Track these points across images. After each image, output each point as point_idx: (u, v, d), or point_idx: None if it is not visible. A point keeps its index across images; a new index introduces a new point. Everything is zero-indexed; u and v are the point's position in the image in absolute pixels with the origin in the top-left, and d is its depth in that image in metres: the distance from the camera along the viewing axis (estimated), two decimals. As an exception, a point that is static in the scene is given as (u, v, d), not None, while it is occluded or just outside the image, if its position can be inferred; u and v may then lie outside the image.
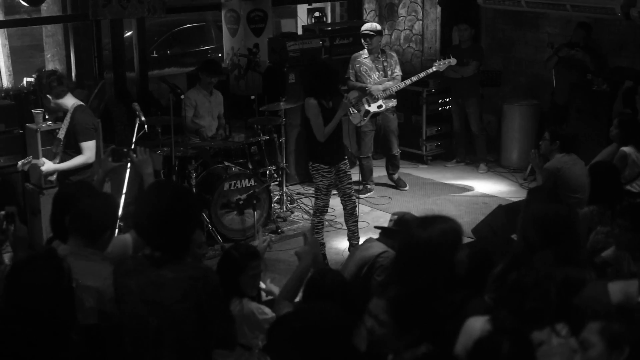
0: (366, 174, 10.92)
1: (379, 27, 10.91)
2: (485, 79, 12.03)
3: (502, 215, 7.89)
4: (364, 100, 10.55)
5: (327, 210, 8.68)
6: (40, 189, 8.39)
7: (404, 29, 13.12)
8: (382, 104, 10.60)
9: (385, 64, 10.66)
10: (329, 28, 11.92)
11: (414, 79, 10.88)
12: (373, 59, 10.65)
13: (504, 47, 12.78)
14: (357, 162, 11.00)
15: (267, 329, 4.28)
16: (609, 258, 5.71)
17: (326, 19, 13.26)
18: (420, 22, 13.11)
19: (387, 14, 13.10)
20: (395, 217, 6.41)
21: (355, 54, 10.78)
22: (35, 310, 3.60)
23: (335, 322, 3.33)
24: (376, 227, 6.75)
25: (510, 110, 11.96)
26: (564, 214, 4.65)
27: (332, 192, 8.65)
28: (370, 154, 10.93)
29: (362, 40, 10.62)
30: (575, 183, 7.81)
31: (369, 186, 10.84)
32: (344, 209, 8.67)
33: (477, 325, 3.83)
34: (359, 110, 10.55)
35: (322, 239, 8.70)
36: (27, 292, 3.61)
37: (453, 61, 10.91)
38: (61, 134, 7.68)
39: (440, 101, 12.17)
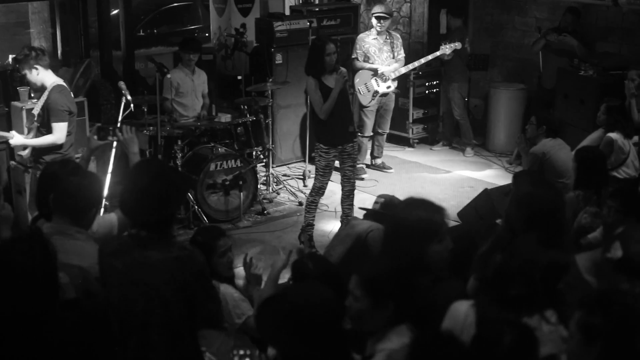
0: (361, 154, 10.91)
1: (391, 8, 10.95)
2: (472, 63, 12.03)
3: (488, 199, 7.90)
4: (373, 80, 10.57)
5: (323, 192, 8.61)
6: (26, 167, 8.34)
7: (393, 11, 13.08)
8: (391, 85, 10.65)
9: (392, 45, 10.71)
10: (317, 9, 11.87)
11: (423, 61, 11.03)
12: (382, 40, 10.67)
13: (491, 31, 12.77)
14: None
15: (256, 309, 4.28)
16: (595, 240, 5.73)
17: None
18: (408, 4, 13.08)
19: (375, -5, 13.05)
20: (382, 199, 6.39)
21: (362, 35, 10.85)
22: (21, 291, 3.58)
23: (322, 301, 3.34)
24: (361, 208, 6.74)
25: (497, 94, 11.98)
26: (551, 199, 4.65)
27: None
28: (369, 134, 10.95)
29: (376, 22, 10.62)
30: (560, 168, 7.85)
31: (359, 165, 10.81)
32: (342, 189, 8.65)
33: (461, 309, 3.82)
34: (368, 90, 10.56)
35: (313, 220, 8.69)
36: (13, 274, 3.59)
37: (458, 45, 10.93)
38: (36, 111, 7.68)
39: (427, 84, 12.17)
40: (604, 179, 6.88)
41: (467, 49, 11.65)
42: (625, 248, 4.45)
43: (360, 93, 10.59)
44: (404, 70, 10.73)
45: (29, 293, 3.58)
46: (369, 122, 10.84)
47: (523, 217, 4.56)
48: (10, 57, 11.01)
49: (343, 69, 8.32)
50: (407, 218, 4.07)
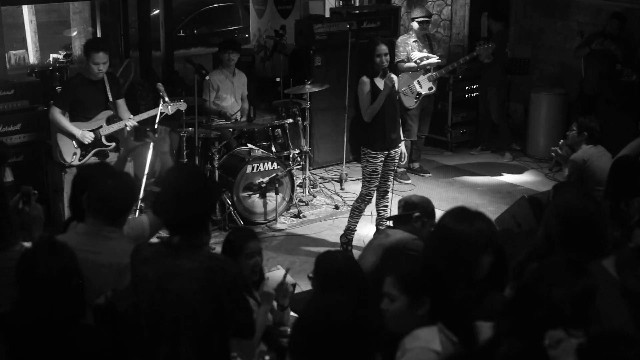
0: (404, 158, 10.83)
1: (429, 10, 11.24)
2: (513, 67, 11.93)
3: (526, 206, 7.79)
4: (415, 82, 10.51)
5: (369, 199, 8.51)
6: (63, 167, 8.40)
7: (433, 14, 13.00)
8: (433, 87, 10.61)
9: (432, 46, 10.77)
10: (357, 11, 11.82)
11: (461, 61, 11.07)
12: (422, 42, 10.68)
13: (533, 35, 12.65)
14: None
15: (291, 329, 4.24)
16: None
17: (354, 2, 13.18)
18: (449, 7, 13.00)
19: (415, -2, 12.99)
20: (402, 202, 6.35)
21: (404, 37, 10.82)
22: (46, 300, 3.58)
23: (354, 318, 3.24)
24: (388, 219, 6.69)
25: (538, 99, 11.85)
26: (589, 210, 4.55)
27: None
28: (414, 138, 10.89)
29: (418, 26, 10.61)
30: (600, 176, 7.71)
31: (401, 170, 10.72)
32: (377, 190, 8.58)
33: (481, 330, 3.75)
34: (412, 92, 10.50)
35: (355, 225, 8.66)
36: (36, 284, 3.59)
37: (493, 46, 10.91)
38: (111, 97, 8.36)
39: (466, 88, 12.10)
40: (634, 189, 6.70)
41: (508, 53, 11.55)
42: None
43: (404, 95, 10.51)
44: (438, 74, 10.65)
45: (51, 301, 3.58)
46: (415, 126, 10.77)
47: (560, 226, 4.47)
48: (52, 56, 11.09)
49: (392, 75, 8.20)
50: (464, 231, 4.01)
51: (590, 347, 3.15)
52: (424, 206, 6.22)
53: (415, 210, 6.17)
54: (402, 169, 10.58)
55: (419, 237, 5.95)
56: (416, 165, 11.16)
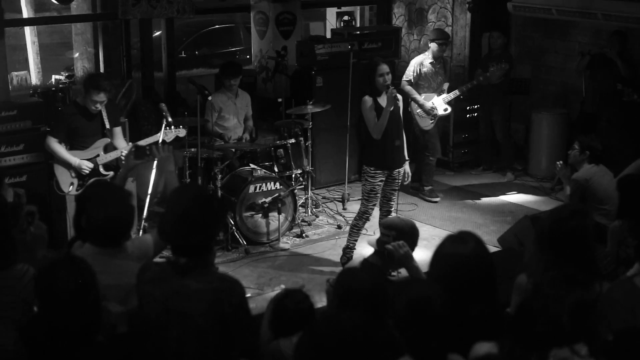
0: (430, 176, 11.01)
1: (447, 33, 11.46)
2: (514, 87, 11.95)
3: (528, 225, 7.81)
4: (430, 103, 10.64)
5: (367, 217, 8.50)
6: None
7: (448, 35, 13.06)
8: (448, 107, 10.79)
9: (445, 70, 10.92)
10: (358, 32, 11.87)
11: (475, 82, 11.11)
12: (437, 65, 10.80)
13: (533, 55, 12.68)
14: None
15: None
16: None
17: (355, 23, 13.22)
18: (450, 28, 13.04)
19: (416, 19, 13.04)
20: (393, 232, 5.71)
21: (420, 58, 10.89)
22: (64, 314, 3.59)
23: (362, 333, 3.24)
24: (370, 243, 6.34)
25: (539, 118, 11.87)
26: (577, 228, 4.53)
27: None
28: (439, 155, 11.12)
29: (437, 47, 10.73)
30: (603, 195, 7.73)
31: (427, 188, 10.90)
32: (380, 209, 8.55)
33: (482, 350, 3.74)
34: (427, 114, 10.57)
35: (354, 243, 8.64)
36: (55, 297, 3.60)
37: (506, 66, 10.98)
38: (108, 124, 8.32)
39: (468, 108, 12.11)
40: None
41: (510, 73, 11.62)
42: None
43: (419, 116, 10.62)
44: (453, 95, 10.81)
45: (69, 315, 3.59)
46: (437, 143, 10.89)
47: (549, 244, 4.49)
48: (54, 77, 11.12)
49: (393, 89, 8.18)
50: (472, 252, 4.04)
51: (617, 343, 3.13)
52: (413, 234, 5.78)
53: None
54: (429, 187, 10.87)
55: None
56: (427, 189, 11.04)
